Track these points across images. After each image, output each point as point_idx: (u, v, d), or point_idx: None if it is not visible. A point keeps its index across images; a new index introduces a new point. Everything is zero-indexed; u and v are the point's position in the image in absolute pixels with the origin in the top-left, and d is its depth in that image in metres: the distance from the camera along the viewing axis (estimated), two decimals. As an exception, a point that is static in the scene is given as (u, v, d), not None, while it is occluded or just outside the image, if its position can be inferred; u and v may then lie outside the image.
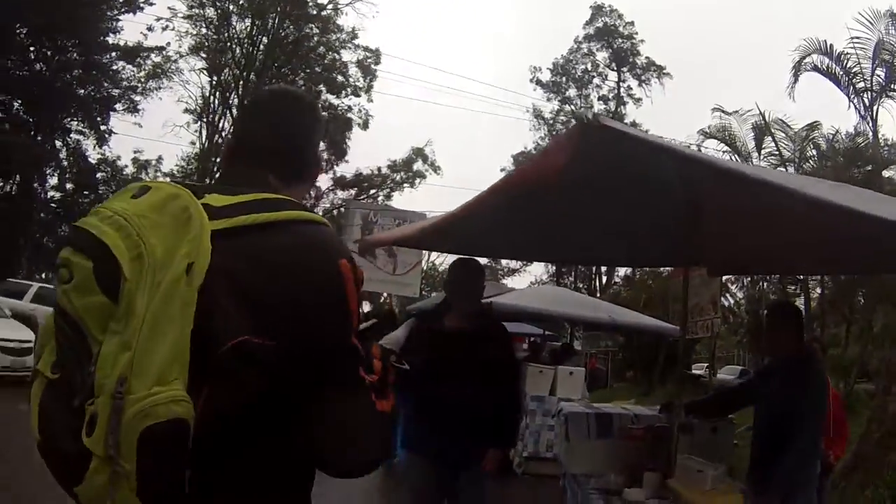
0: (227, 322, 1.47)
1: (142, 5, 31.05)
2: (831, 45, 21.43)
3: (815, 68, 21.88)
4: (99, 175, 37.45)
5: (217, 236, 1.53)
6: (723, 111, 23.86)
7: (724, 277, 17.40)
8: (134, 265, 1.44)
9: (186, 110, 44.91)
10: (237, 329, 1.48)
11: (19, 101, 28.59)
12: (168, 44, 40.70)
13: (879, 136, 22.55)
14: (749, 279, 33.10)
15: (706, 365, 27.61)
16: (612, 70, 55.71)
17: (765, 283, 34.74)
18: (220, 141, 44.21)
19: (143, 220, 1.50)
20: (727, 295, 29.53)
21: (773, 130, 22.10)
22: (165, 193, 1.58)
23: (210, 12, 42.46)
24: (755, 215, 4.46)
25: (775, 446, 4.70)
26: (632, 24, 55.49)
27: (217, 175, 1.98)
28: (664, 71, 54.68)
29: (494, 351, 4.82)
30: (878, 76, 21.49)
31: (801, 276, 21.23)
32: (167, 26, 40.55)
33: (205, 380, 1.43)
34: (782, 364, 5.00)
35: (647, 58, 55.05)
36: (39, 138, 28.52)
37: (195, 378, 1.41)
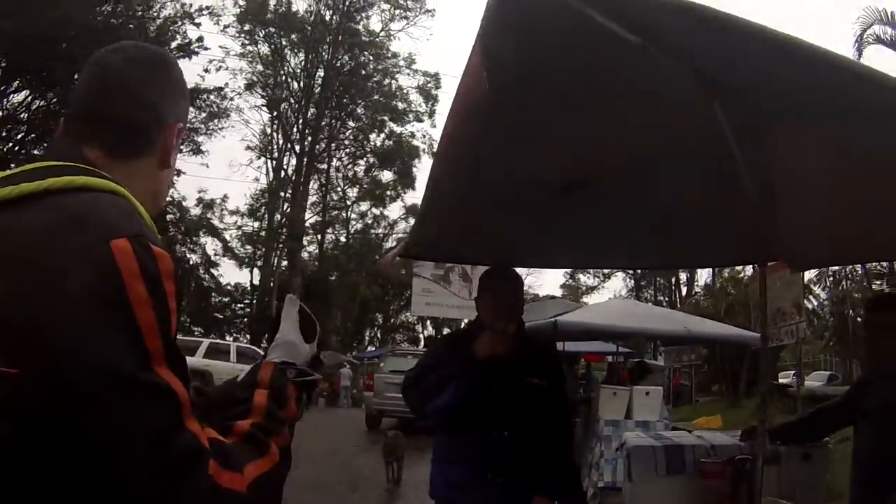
0: None
1: (196, 49, 31.26)
2: (893, 13, 19.65)
3: (879, 39, 20.35)
4: (168, 217, 38.11)
5: None
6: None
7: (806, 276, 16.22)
8: None
9: (248, 147, 45.83)
10: None
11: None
12: (226, 84, 41.47)
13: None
14: (832, 277, 31.74)
15: (793, 373, 26.38)
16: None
17: (847, 282, 33.40)
18: (284, 176, 44.86)
19: None
20: (810, 297, 28.35)
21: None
22: None
23: (264, 49, 43.10)
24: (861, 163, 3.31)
25: (885, 477, 3.81)
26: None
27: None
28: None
29: (538, 380, 3.94)
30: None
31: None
32: (221, 66, 41.41)
33: None
34: (889, 372, 4.08)
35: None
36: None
37: None
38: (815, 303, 31.08)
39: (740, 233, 4.49)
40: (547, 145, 3.28)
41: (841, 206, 3.93)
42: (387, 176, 49.74)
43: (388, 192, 50.08)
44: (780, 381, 27.15)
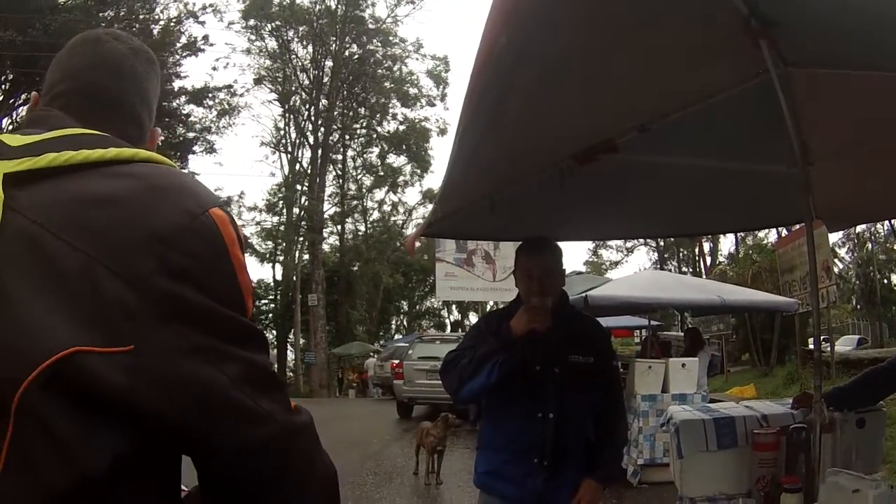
0: (33, 322, 0.95)
1: (203, 47, 31.38)
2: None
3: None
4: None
5: (11, 184, 1.03)
6: None
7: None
8: None
9: (262, 143, 45.99)
10: (52, 333, 0.94)
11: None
12: (235, 80, 41.46)
13: None
14: (856, 240, 31.31)
15: (824, 338, 26.01)
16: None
17: (871, 244, 33.03)
18: (299, 169, 44.89)
19: None
20: (836, 260, 28.02)
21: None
22: None
23: (271, 43, 43.03)
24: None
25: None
26: None
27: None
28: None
29: (582, 357, 3.74)
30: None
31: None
32: (227, 63, 41.54)
33: (5, 419, 0.92)
34: None
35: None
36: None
37: None
38: (841, 266, 30.67)
39: (786, 192, 4.27)
40: (575, 100, 3.07)
41: (876, 160, 3.77)
42: (400, 161, 49.71)
43: (404, 178, 50.06)
44: (812, 346, 26.80)
